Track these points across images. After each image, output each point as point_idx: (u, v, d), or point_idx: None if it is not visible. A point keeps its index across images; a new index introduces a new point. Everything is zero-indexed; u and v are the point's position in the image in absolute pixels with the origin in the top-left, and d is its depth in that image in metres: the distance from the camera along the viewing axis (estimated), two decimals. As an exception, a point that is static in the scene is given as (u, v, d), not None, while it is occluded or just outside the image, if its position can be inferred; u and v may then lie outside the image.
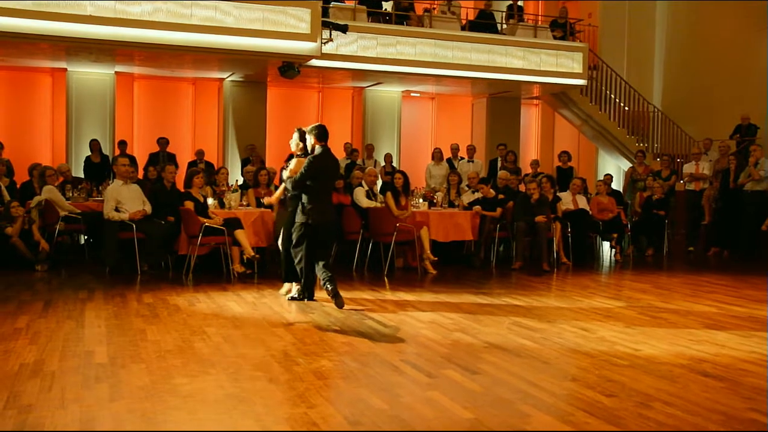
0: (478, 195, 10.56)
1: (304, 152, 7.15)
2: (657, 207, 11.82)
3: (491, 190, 10.54)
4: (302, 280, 7.03)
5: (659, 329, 6.11)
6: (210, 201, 9.15)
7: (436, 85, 14.79)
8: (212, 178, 9.94)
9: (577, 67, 14.04)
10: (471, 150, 13.69)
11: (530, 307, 7.06)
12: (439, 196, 10.77)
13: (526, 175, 12.53)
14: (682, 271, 10.22)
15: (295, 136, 7.36)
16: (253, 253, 8.48)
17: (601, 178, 12.94)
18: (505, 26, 14.39)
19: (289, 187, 7.02)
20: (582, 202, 11.21)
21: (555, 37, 14.30)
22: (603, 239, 11.87)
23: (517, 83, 14.08)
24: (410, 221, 9.36)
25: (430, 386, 4.33)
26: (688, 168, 12.68)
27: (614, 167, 16.05)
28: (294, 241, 6.88)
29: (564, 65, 13.95)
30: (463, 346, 5.34)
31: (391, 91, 14.96)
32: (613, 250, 11.61)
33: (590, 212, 11.21)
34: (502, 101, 15.50)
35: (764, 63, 13.58)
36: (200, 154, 12.79)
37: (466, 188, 11.04)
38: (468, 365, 4.80)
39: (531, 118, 17.32)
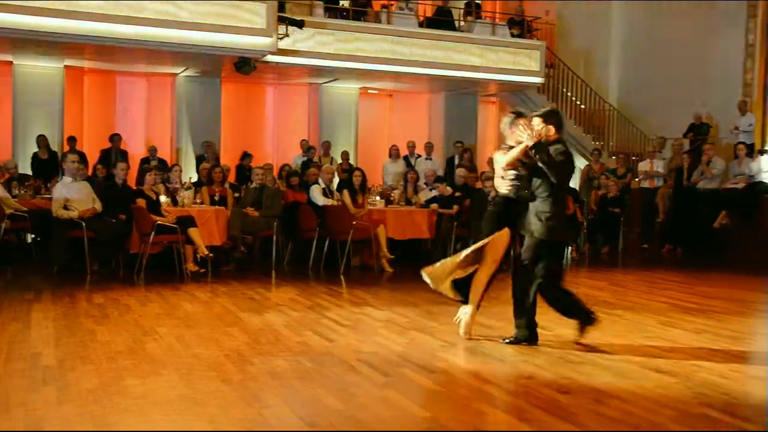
0: (435, 193, 10.55)
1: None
2: (612, 205, 11.96)
3: (448, 188, 10.54)
4: (523, 323, 5.44)
5: (614, 326, 6.15)
6: (163, 198, 8.99)
7: (393, 82, 14.76)
8: (165, 176, 9.76)
9: (534, 65, 14.13)
10: (429, 147, 13.69)
11: (487, 305, 7.03)
12: (396, 194, 10.74)
13: (483, 172, 12.56)
14: (636, 268, 10.35)
15: (507, 120, 5.48)
16: (206, 252, 8.36)
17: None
18: (462, 23, 14.42)
19: (544, 160, 5.12)
20: (538, 200, 11.26)
21: (512, 35, 14.37)
22: (559, 236, 11.95)
23: (474, 81, 14.12)
24: (367, 219, 9.31)
25: (387, 385, 4.29)
26: (643, 166, 12.85)
27: (570, 165, 16.20)
28: (540, 275, 5.29)
29: (521, 63, 14.02)
30: (419, 345, 5.31)
31: (348, 88, 14.88)
32: (569, 247, 11.70)
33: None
34: (460, 99, 15.52)
35: (718, 63, 13.83)
36: (153, 150, 12.57)
37: (424, 186, 11.02)
38: (425, 364, 4.76)
39: (488, 116, 17.38)
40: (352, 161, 13.62)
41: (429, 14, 14.49)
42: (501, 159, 5.47)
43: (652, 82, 15.26)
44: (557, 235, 5.27)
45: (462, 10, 14.76)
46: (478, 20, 14.49)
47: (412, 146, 13.73)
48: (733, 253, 10.62)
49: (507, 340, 5.36)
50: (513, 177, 5.42)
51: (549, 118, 5.33)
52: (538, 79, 14.33)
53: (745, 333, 6.28)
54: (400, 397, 4.06)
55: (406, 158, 13.50)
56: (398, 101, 16.27)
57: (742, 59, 13.53)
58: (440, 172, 12.73)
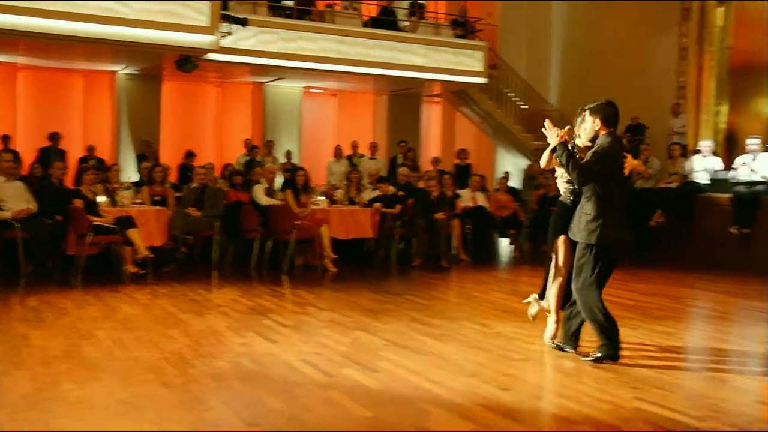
0: (378, 192, 10.58)
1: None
2: (553, 204, 12.12)
3: (390, 187, 10.59)
4: (566, 325, 5.20)
5: (554, 323, 6.25)
6: (101, 199, 8.80)
7: (337, 82, 14.73)
8: (104, 175, 9.56)
9: (477, 66, 14.27)
10: (373, 147, 13.72)
11: (429, 304, 7.11)
12: (339, 194, 10.73)
13: (427, 172, 12.64)
14: (575, 266, 10.53)
15: (578, 119, 5.21)
16: (146, 253, 8.22)
17: (500, 175, 13.19)
18: (406, 24, 14.48)
19: (571, 171, 4.82)
20: (481, 199, 11.40)
21: (456, 36, 14.49)
22: (501, 236, 12.11)
23: (418, 80, 14.18)
24: (310, 219, 9.28)
25: (330, 385, 4.28)
26: (582, 166, 13.09)
27: (512, 165, 16.41)
28: (577, 280, 4.94)
29: (464, 63, 14.14)
30: (362, 345, 5.32)
31: (291, 87, 14.79)
32: (511, 246, 11.87)
33: (489, 209, 11.41)
34: (404, 98, 15.58)
35: (655, 64, 14.16)
36: (91, 149, 12.29)
37: (368, 185, 11.04)
38: (367, 363, 4.77)
39: (432, 116, 17.49)
40: (295, 160, 13.56)
41: (373, 14, 14.51)
42: (541, 161, 5.20)
43: (591, 82, 15.53)
44: (602, 239, 4.79)
45: (406, 11, 14.82)
46: (422, 21, 14.57)
47: (355, 146, 13.73)
48: (668, 251, 10.90)
49: (589, 358, 4.92)
50: (566, 179, 5.13)
51: (595, 111, 4.97)
52: (481, 80, 14.47)
53: (679, 329, 6.46)
54: (342, 397, 4.07)
55: (349, 158, 13.49)
56: (342, 101, 16.25)
57: (676, 62, 13.89)
58: (384, 172, 12.76)
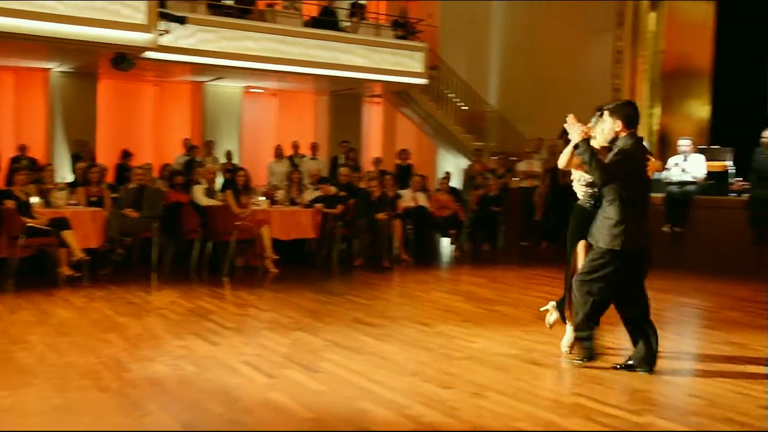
0: (319, 192, 10.55)
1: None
2: (492, 204, 12.30)
3: (332, 188, 10.57)
4: (582, 334, 4.94)
5: (494, 321, 6.34)
6: (34, 200, 8.56)
7: (278, 82, 14.64)
8: (37, 175, 9.30)
9: (418, 67, 14.35)
10: (314, 147, 13.67)
11: (371, 304, 7.12)
12: (280, 194, 10.67)
13: (368, 172, 12.66)
14: (515, 265, 10.70)
15: (593, 120, 5.01)
16: (82, 255, 8.03)
17: (441, 175, 13.30)
18: (347, 24, 14.47)
19: (594, 169, 4.61)
20: (422, 200, 11.47)
21: (396, 37, 14.54)
22: (442, 235, 12.21)
23: (359, 81, 14.19)
24: (251, 219, 9.20)
25: (270, 387, 4.26)
26: (522, 166, 13.28)
27: (453, 165, 16.55)
28: (587, 272, 4.75)
29: (405, 64, 14.21)
30: (303, 345, 5.30)
31: (232, 87, 14.64)
32: (452, 246, 11.97)
33: (430, 209, 11.48)
34: (345, 99, 15.57)
35: (591, 67, 14.45)
36: (23, 149, 11.93)
37: (309, 186, 11.00)
38: (309, 364, 4.75)
39: (373, 116, 17.52)
40: (235, 161, 13.42)
41: (314, 14, 14.46)
42: (559, 163, 5.00)
43: (530, 83, 15.79)
44: (626, 245, 4.59)
45: (347, 11, 14.81)
46: (363, 21, 14.58)
47: (296, 146, 13.67)
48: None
49: (621, 366, 4.78)
50: (586, 182, 4.95)
51: (615, 111, 4.76)
52: (422, 80, 14.56)
53: (614, 324, 6.60)
54: (284, 398, 4.04)
55: (290, 158, 13.42)
56: (283, 100, 16.15)
57: (611, 64, 14.21)
58: (325, 173, 12.73)
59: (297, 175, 10.94)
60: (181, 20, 11.26)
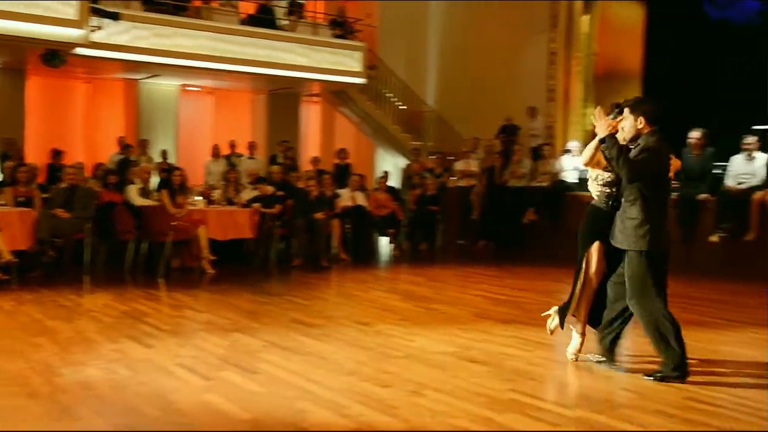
0: (257, 192, 10.47)
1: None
2: (430, 203, 12.40)
3: (269, 188, 10.50)
4: (605, 340, 4.85)
5: (432, 320, 6.39)
6: (-41, 200, 8.27)
7: (215, 80, 14.46)
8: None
9: (356, 66, 14.36)
10: (251, 146, 13.55)
11: (309, 304, 7.10)
12: (217, 194, 10.54)
13: (307, 171, 12.61)
14: (453, 264, 10.81)
15: (610, 117, 4.70)
16: (10, 257, 7.78)
17: (380, 174, 13.34)
18: (285, 22, 14.38)
19: (618, 162, 4.41)
20: (360, 199, 11.48)
21: (335, 36, 14.53)
22: (381, 234, 12.24)
23: (297, 80, 14.13)
24: (187, 219, 9.06)
25: (207, 389, 4.20)
26: (459, 165, 13.41)
27: (392, 164, 16.61)
28: (637, 292, 4.54)
29: (343, 64, 14.20)
30: (241, 347, 5.25)
31: (167, 85, 14.41)
32: (391, 245, 12.02)
33: (368, 208, 11.51)
34: (283, 98, 15.48)
35: (529, 65, 14.69)
36: (-54, 148, 11.52)
37: (247, 185, 10.90)
38: (246, 365, 4.71)
39: (311, 115, 17.46)
40: (171, 160, 13.21)
41: (251, 12, 14.33)
42: (581, 160, 4.83)
43: (467, 83, 15.95)
44: (652, 245, 4.44)
45: (285, 9, 14.72)
46: (301, 20, 14.52)
47: (233, 145, 13.53)
48: (539, 248, 11.34)
49: (651, 377, 4.54)
50: (603, 182, 4.78)
51: (637, 108, 4.57)
52: (360, 80, 14.58)
53: (549, 322, 6.74)
54: (221, 400, 4.00)
55: (227, 157, 13.27)
56: (220, 99, 15.97)
57: (546, 66, 14.48)
58: (263, 172, 12.62)
59: (234, 174, 10.83)
60: (114, 16, 11.03)
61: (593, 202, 4.92)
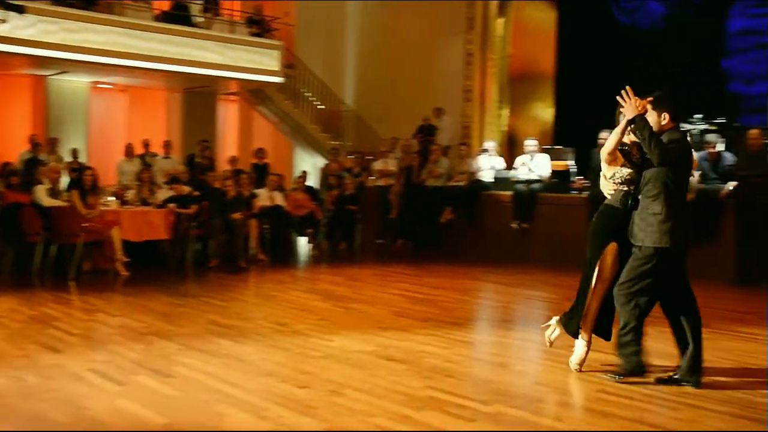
0: (173, 192, 10.26)
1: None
2: (349, 202, 12.41)
3: (185, 187, 10.31)
4: (623, 346, 4.54)
5: (351, 319, 6.41)
6: None
7: (127, 77, 14.10)
8: None
9: (274, 65, 14.26)
10: (167, 146, 13.27)
11: (227, 306, 7.01)
12: (131, 194, 10.28)
13: (224, 171, 12.43)
14: (372, 263, 10.86)
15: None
16: None
17: (298, 174, 13.28)
18: (201, 20, 14.15)
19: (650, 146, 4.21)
20: (278, 199, 11.40)
21: (252, 34, 14.38)
22: (299, 234, 12.18)
23: (213, 78, 13.92)
24: (99, 221, 8.81)
25: (120, 394, 4.11)
26: (377, 165, 13.47)
27: (310, 164, 16.55)
28: (632, 280, 4.40)
29: (260, 62, 14.08)
30: (156, 350, 5.14)
31: (77, 81, 13.97)
32: (309, 245, 11.97)
33: (286, 208, 11.44)
34: (199, 96, 15.23)
35: (446, 66, 14.87)
36: None
37: (163, 185, 10.67)
38: (161, 369, 4.62)
39: (229, 114, 17.24)
40: (82, 159, 12.80)
41: (165, 8, 14.04)
42: (603, 151, 4.59)
43: (385, 83, 16.05)
44: (675, 242, 4.27)
45: (200, 6, 14.48)
46: (217, 17, 14.31)
47: (147, 144, 13.22)
48: (456, 246, 11.50)
49: (665, 380, 4.42)
50: (621, 179, 4.53)
51: (661, 104, 4.36)
52: (278, 79, 14.48)
53: (466, 319, 6.87)
54: (135, 405, 3.91)
55: (142, 157, 12.95)
56: (133, 97, 15.58)
57: (463, 67, 14.70)
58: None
59: (148, 174, 10.58)
60: (20, 9, 10.60)
61: (607, 201, 4.69)
